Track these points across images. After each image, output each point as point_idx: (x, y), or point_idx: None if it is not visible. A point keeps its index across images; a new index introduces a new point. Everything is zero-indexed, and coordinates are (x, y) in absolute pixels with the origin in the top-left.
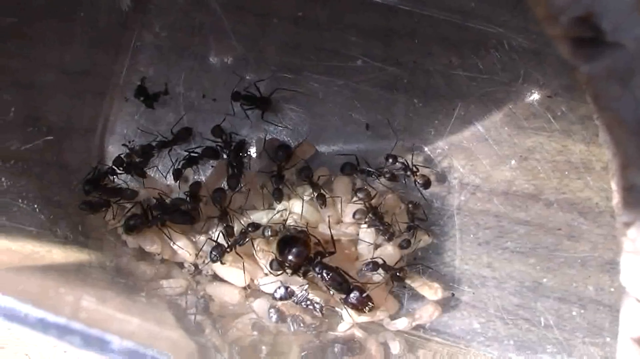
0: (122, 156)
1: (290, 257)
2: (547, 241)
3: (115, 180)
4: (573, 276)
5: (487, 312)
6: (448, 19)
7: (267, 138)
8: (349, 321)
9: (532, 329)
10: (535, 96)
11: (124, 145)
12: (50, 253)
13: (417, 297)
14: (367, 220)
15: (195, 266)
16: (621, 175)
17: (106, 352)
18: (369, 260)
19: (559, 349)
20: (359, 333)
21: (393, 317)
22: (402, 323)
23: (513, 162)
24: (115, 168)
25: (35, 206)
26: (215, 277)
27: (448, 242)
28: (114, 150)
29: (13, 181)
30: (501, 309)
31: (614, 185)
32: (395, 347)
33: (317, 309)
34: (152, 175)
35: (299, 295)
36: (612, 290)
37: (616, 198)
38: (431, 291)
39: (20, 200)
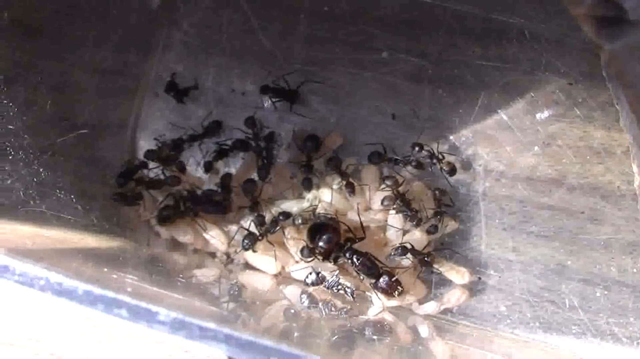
0: (153, 149)
1: (321, 243)
2: (570, 225)
3: (149, 173)
4: (596, 259)
5: (513, 295)
6: (471, 12)
7: (295, 130)
8: (379, 305)
9: (557, 311)
10: (556, 84)
11: (155, 139)
12: (86, 240)
13: (445, 282)
14: (395, 206)
15: (228, 255)
16: None
17: (153, 323)
18: (398, 245)
19: (584, 330)
20: (388, 317)
21: (421, 301)
22: (430, 307)
23: (536, 148)
24: (147, 161)
25: (72, 196)
26: (247, 266)
27: (474, 227)
28: (145, 145)
29: (50, 173)
30: (527, 292)
31: (635, 167)
32: (424, 331)
33: (349, 294)
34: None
35: (329, 280)
36: (635, 271)
37: (638, 180)
38: (458, 275)
39: (57, 191)
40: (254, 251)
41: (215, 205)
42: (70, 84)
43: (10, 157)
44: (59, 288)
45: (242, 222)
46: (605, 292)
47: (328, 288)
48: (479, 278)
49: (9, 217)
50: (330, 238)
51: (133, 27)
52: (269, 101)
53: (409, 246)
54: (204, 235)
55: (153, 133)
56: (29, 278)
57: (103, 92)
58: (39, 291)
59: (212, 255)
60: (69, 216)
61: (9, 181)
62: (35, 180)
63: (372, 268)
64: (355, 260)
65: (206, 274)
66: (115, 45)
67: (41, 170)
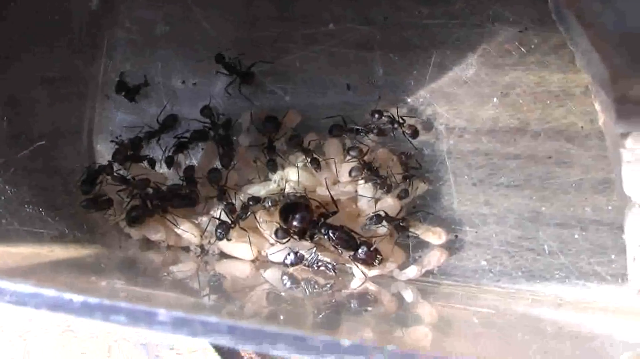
0: (119, 150)
1: (294, 223)
2: (539, 171)
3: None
4: (569, 201)
5: (492, 248)
6: None
7: (253, 113)
8: (360, 276)
9: (538, 258)
10: (506, 33)
11: (112, 141)
12: (64, 252)
13: (422, 244)
14: (363, 175)
15: (202, 247)
16: (612, 88)
17: (154, 325)
18: (372, 214)
19: (567, 273)
20: (372, 287)
21: (402, 267)
22: (411, 271)
23: (495, 99)
24: (112, 162)
25: (41, 210)
26: (223, 255)
27: (444, 187)
28: (102, 149)
29: (15, 189)
30: (505, 244)
31: (597, 105)
32: (408, 295)
33: (330, 269)
34: (143, 165)
35: (309, 258)
36: (610, 208)
37: (602, 118)
38: (435, 236)
39: (25, 206)
40: (228, 239)
41: (183, 198)
42: (20, 98)
43: None
44: (54, 303)
45: (212, 212)
46: (583, 233)
47: (308, 266)
48: (456, 236)
49: None
50: (303, 217)
51: (75, 32)
52: (223, 89)
53: (382, 213)
54: (176, 230)
55: (109, 135)
56: (22, 297)
57: (54, 101)
58: (33, 309)
59: (186, 249)
60: (41, 230)
61: None
62: (3, 197)
63: (349, 240)
64: (331, 234)
65: (183, 269)
66: (60, 52)
67: (6, 187)
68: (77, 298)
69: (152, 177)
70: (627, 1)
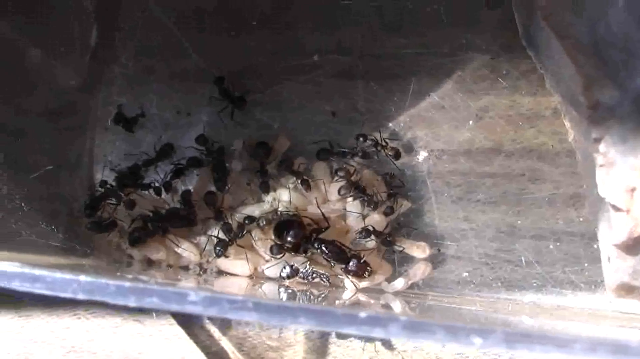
0: (119, 177)
1: (289, 239)
2: (513, 188)
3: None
4: (543, 215)
5: (472, 261)
6: (386, 5)
7: (245, 140)
8: (351, 288)
9: (516, 269)
10: (479, 60)
11: (112, 169)
12: (79, 264)
13: (407, 259)
14: (351, 193)
15: (200, 266)
16: (585, 95)
17: (185, 305)
18: (361, 229)
19: (543, 282)
20: (362, 298)
21: (389, 280)
22: (399, 283)
23: (470, 122)
24: (114, 187)
25: (53, 227)
26: (220, 273)
27: (425, 204)
28: (101, 178)
29: (30, 207)
30: (484, 256)
31: (567, 123)
32: (397, 306)
33: (324, 279)
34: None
35: (303, 271)
36: (581, 219)
37: (572, 135)
38: (419, 250)
39: (40, 222)
40: (226, 256)
41: (182, 219)
42: (25, 129)
43: None
44: (90, 288)
45: (209, 232)
46: (557, 244)
47: (303, 278)
48: (439, 250)
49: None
50: (297, 233)
51: (74, 67)
52: (216, 116)
53: (371, 228)
54: (176, 249)
55: (109, 165)
56: (60, 284)
57: (56, 132)
58: (70, 295)
59: (185, 268)
60: (57, 244)
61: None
62: (20, 213)
63: (340, 253)
64: (324, 248)
65: (184, 287)
66: (61, 86)
67: (23, 204)
68: (112, 283)
69: (152, 202)
70: (596, 11)
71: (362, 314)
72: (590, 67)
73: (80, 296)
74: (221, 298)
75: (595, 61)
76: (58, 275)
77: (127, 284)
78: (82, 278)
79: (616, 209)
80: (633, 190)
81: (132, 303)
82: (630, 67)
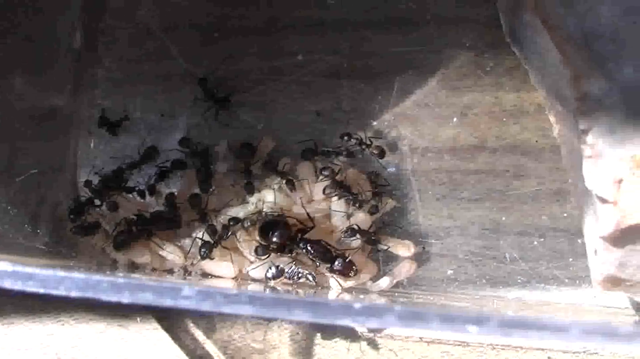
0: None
1: (274, 239)
2: (498, 185)
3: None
4: (527, 211)
5: (457, 258)
6: (372, 4)
7: (229, 141)
8: (337, 288)
9: (500, 266)
10: (463, 58)
11: (96, 173)
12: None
13: (391, 258)
14: (336, 192)
15: (185, 268)
16: (574, 87)
17: (179, 299)
18: (346, 228)
19: (528, 278)
20: (347, 298)
21: (374, 279)
22: (384, 282)
23: (454, 120)
24: (99, 186)
25: (38, 230)
26: (205, 275)
27: (410, 203)
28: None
29: (16, 210)
30: (469, 254)
31: (552, 118)
32: None
33: (310, 279)
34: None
35: (289, 271)
36: (565, 215)
37: (556, 129)
38: (404, 248)
39: (26, 225)
40: (211, 258)
41: (167, 221)
42: (6, 133)
43: None
44: (83, 285)
45: (194, 235)
46: (542, 240)
47: (290, 278)
48: (423, 248)
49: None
50: (282, 233)
51: (58, 70)
52: (200, 118)
53: (356, 227)
54: (161, 253)
55: (92, 169)
56: (52, 282)
57: (38, 137)
58: (63, 292)
59: (170, 271)
60: (44, 247)
61: None
62: (7, 216)
63: (326, 253)
64: (309, 248)
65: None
66: (43, 89)
67: (8, 208)
68: (106, 279)
69: (136, 205)
70: (585, 4)
71: (357, 305)
72: (578, 58)
73: (73, 294)
74: (215, 291)
75: (584, 53)
76: (50, 272)
77: (121, 280)
78: (75, 274)
79: (603, 201)
80: (620, 181)
81: (125, 299)
82: (619, 58)
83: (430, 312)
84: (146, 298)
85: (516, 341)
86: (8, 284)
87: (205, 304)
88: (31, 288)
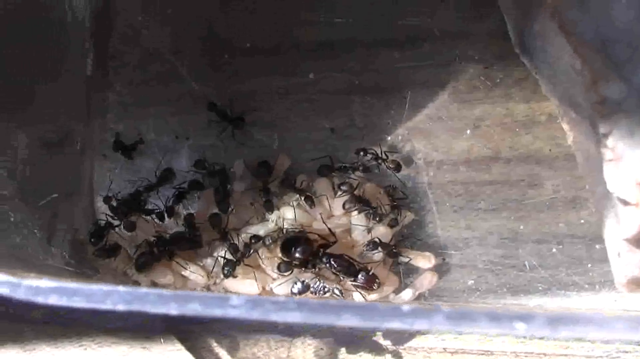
0: (121, 204)
1: (297, 255)
2: (514, 194)
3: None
4: (544, 219)
5: (477, 268)
6: (379, 22)
7: (245, 161)
8: (361, 301)
9: (520, 274)
10: (473, 70)
11: (113, 196)
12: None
13: (412, 270)
14: (356, 207)
15: (208, 288)
16: (593, 91)
17: (227, 309)
18: (368, 241)
19: (548, 286)
20: None
21: (397, 291)
22: (406, 295)
23: (467, 132)
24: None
25: (63, 253)
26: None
27: (427, 215)
28: (102, 206)
29: (42, 233)
30: (489, 263)
31: (565, 125)
32: None
33: (337, 293)
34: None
35: (315, 286)
36: (583, 221)
37: (571, 137)
38: (425, 260)
39: (52, 247)
40: (234, 276)
41: (188, 241)
42: (28, 159)
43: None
44: (130, 298)
45: (215, 254)
46: (560, 247)
47: (315, 293)
48: (444, 259)
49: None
50: (305, 248)
51: (70, 97)
52: (216, 139)
53: (377, 240)
54: (183, 273)
55: (110, 192)
56: (99, 297)
57: (54, 163)
58: (110, 307)
59: (192, 291)
60: (70, 269)
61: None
62: (34, 239)
63: (349, 267)
64: (332, 262)
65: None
66: (57, 116)
67: (35, 231)
68: (152, 291)
69: (155, 226)
70: (601, 8)
71: (406, 307)
72: (596, 63)
73: (120, 307)
74: (264, 300)
75: (602, 57)
76: (95, 286)
77: (168, 292)
78: (121, 288)
79: (625, 203)
80: None
81: (173, 310)
82: (636, 61)
83: (477, 311)
84: (194, 309)
85: (539, 348)
86: (53, 300)
87: (254, 313)
88: (77, 303)
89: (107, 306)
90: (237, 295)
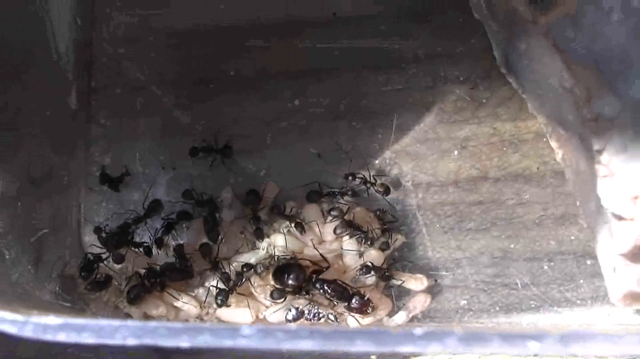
0: (109, 238)
1: (290, 282)
2: (502, 213)
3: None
4: (534, 237)
5: (469, 288)
6: (364, 47)
7: (234, 189)
8: (355, 325)
9: (512, 292)
10: (458, 91)
11: (101, 229)
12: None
13: (404, 292)
14: (347, 232)
15: (201, 318)
16: (586, 107)
17: (238, 339)
18: (360, 266)
19: (541, 303)
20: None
21: (390, 315)
22: (400, 317)
23: (455, 153)
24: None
25: (58, 288)
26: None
27: (417, 237)
28: (90, 239)
29: (36, 269)
30: (480, 283)
31: (553, 143)
32: None
33: (332, 318)
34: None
35: (309, 312)
36: (572, 238)
37: (559, 154)
38: (417, 282)
39: (46, 283)
40: (228, 305)
41: (179, 272)
42: (11, 197)
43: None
44: (141, 332)
45: (206, 284)
46: (551, 263)
47: (310, 319)
48: (436, 281)
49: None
50: (298, 275)
51: (54, 130)
52: (203, 171)
53: (370, 264)
54: (176, 304)
55: (98, 225)
56: (108, 332)
57: (40, 198)
58: (119, 342)
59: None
60: (67, 304)
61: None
62: (28, 275)
63: (343, 291)
64: (326, 288)
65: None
66: (41, 151)
67: (29, 267)
68: (162, 325)
69: (145, 258)
70: (594, 27)
71: (418, 331)
72: (589, 80)
73: (130, 342)
74: (275, 329)
75: (595, 74)
76: (104, 321)
77: (178, 324)
78: (130, 322)
79: (620, 218)
80: (636, 197)
81: (185, 342)
82: (628, 77)
83: (490, 332)
84: (205, 341)
85: None
86: (62, 337)
87: (266, 342)
88: (86, 339)
89: (116, 341)
90: (246, 326)
